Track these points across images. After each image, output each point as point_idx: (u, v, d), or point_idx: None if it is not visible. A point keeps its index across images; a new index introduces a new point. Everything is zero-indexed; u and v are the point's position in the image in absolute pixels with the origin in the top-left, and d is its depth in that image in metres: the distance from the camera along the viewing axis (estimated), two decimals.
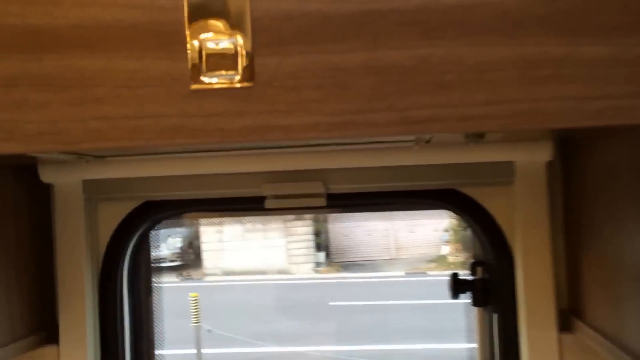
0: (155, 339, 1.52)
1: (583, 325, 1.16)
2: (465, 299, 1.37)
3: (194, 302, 7.42)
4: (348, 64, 0.69)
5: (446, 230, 10.00)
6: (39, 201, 1.35)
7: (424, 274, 9.96)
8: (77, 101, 0.71)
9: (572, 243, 1.26)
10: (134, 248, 1.39)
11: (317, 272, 10.10)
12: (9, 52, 0.72)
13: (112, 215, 1.37)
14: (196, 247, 10.70)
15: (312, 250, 10.15)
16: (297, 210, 1.49)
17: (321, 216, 11.24)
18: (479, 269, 1.32)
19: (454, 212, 1.38)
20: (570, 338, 1.20)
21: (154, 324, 1.48)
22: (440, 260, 10.24)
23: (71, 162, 1.28)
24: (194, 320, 7.28)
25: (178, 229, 11.23)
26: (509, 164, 1.26)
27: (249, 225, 10.57)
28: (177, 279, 10.40)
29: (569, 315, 1.22)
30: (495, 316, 1.31)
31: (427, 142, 1.08)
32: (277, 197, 1.31)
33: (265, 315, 8.91)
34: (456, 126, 0.67)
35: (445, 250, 10.20)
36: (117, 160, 1.26)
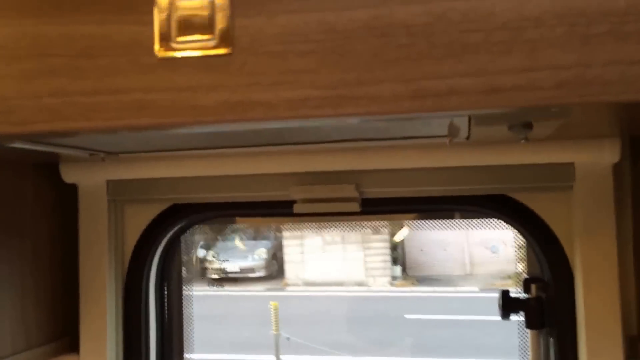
0: (193, 345, 1.44)
1: None
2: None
3: (274, 311, 7.77)
4: (346, 23, 0.58)
5: (521, 248, 9.51)
6: (65, 202, 1.27)
7: (499, 290, 9.72)
8: (30, 74, 0.63)
9: None
10: (162, 253, 1.32)
11: (393, 285, 10.22)
12: None
13: (138, 219, 1.28)
14: (279, 259, 11.15)
15: (389, 264, 10.29)
16: (328, 217, 1.38)
17: (398, 231, 11.37)
18: (534, 287, 1.16)
19: (505, 220, 1.21)
20: None
21: (184, 332, 1.39)
22: (516, 277, 9.96)
23: (93, 160, 1.19)
24: (273, 328, 7.62)
25: (263, 241, 11.76)
26: (568, 166, 1.08)
27: (328, 238, 10.89)
28: (261, 288, 10.89)
29: (639, 342, 1.05)
30: (551, 340, 1.16)
31: (467, 138, 0.88)
32: (306, 201, 1.20)
33: (342, 326, 9.11)
34: (482, 101, 0.55)
35: (522, 267, 9.80)
36: (141, 159, 1.18)
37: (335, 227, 10.82)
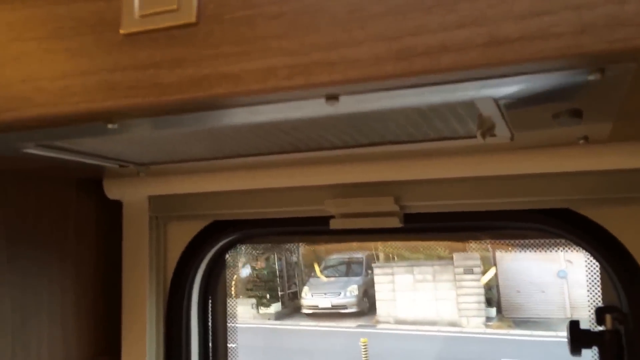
0: None
1: None
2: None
3: (364, 347, 7.88)
4: None
5: (593, 272, 8.81)
6: (109, 219, 1.25)
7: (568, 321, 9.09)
8: (3, 61, 0.62)
9: None
10: (205, 271, 1.29)
11: (488, 326, 9.91)
12: None
13: (180, 236, 1.26)
14: (371, 296, 11.14)
15: (483, 305, 10.00)
16: (367, 236, 1.28)
17: (491, 270, 11.03)
18: (609, 317, 1.02)
19: (571, 240, 1.06)
20: None
21: (228, 352, 1.35)
22: None
23: (134, 175, 1.17)
24: None
25: (355, 278, 11.83)
26: None
27: (419, 276, 10.78)
28: (353, 325, 10.90)
29: None
30: None
31: (511, 138, 0.79)
32: (343, 215, 1.13)
33: None
34: (481, 56, 0.47)
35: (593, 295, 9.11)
36: (181, 173, 1.15)
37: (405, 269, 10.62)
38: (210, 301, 1.33)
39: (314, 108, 0.63)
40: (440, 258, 11.17)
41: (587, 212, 1.01)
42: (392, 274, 10.98)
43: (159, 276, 1.26)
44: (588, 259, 1.12)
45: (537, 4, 0.44)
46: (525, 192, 1.03)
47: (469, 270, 10.29)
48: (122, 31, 0.58)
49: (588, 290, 1.18)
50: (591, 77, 0.49)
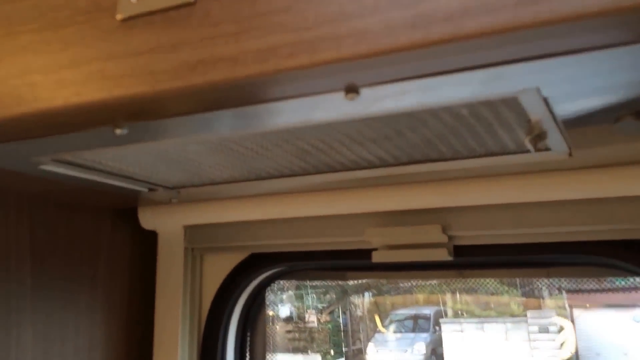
0: None
1: None
2: None
3: None
4: None
5: None
6: (143, 250, 1.20)
7: None
8: (1, 55, 0.57)
9: None
10: (244, 307, 1.23)
11: None
12: None
13: (216, 269, 1.19)
14: (439, 355, 10.71)
15: None
16: (414, 272, 1.13)
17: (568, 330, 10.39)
18: None
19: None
20: None
21: None
22: None
23: (171, 204, 1.10)
24: None
25: (422, 334, 11.43)
26: None
27: (490, 334, 10.30)
28: None
29: None
30: None
31: (569, 154, 0.66)
32: (385, 247, 1.02)
33: None
34: (512, 16, 0.36)
35: None
36: (217, 200, 1.05)
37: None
38: (248, 341, 1.24)
39: (333, 106, 0.55)
40: (512, 315, 10.67)
41: None
42: (462, 331, 10.55)
43: (194, 312, 1.19)
44: None
45: None
46: (584, 219, 0.91)
47: (544, 329, 9.75)
48: (118, 16, 0.54)
49: None
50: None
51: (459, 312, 11.26)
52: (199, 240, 1.21)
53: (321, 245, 1.13)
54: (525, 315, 10.48)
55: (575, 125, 0.60)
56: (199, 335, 1.20)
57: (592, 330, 10.63)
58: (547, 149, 0.74)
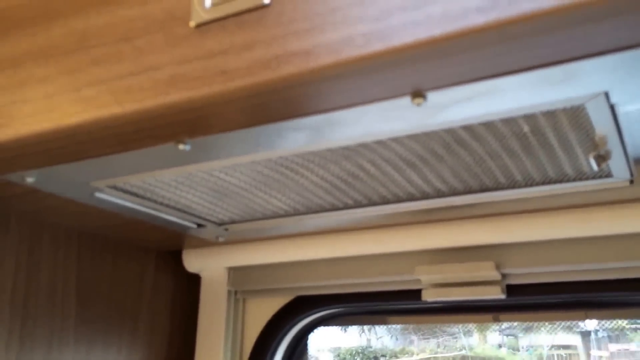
0: None
1: None
2: None
3: None
4: None
5: None
6: (185, 292, 1.21)
7: None
8: (74, 68, 0.62)
9: None
10: (286, 352, 1.19)
11: None
12: (20, 29, 0.65)
13: (259, 313, 1.18)
14: None
15: None
16: (469, 314, 1.13)
17: None
18: None
19: None
20: None
21: None
22: None
23: (215, 246, 1.13)
24: None
25: None
26: None
27: None
28: None
29: None
30: None
31: (631, 181, 0.69)
32: (435, 285, 1.01)
33: None
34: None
35: None
36: (262, 242, 1.08)
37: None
38: None
39: (399, 112, 0.57)
40: None
41: None
42: None
43: (235, 356, 1.17)
44: None
45: None
46: None
47: None
48: (191, 23, 0.57)
49: None
50: None
51: None
52: (243, 283, 1.19)
53: (368, 286, 1.10)
54: None
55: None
56: None
57: None
58: (608, 176, 0.69)
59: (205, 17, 0.56)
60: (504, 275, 0.97)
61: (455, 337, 10.57)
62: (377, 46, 0.46)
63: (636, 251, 0.85)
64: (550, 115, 0.57)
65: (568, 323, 9.86)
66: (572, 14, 0.38)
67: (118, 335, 1.09)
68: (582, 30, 0.40)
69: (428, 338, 10.45)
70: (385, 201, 0.88)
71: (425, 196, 0.85)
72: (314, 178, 0.80)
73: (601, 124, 0.56)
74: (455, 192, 0.83)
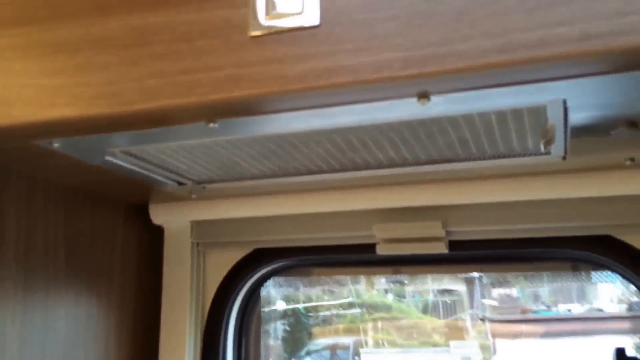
0: None
1: None
2: None
3: None
4: None
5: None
6: (150, 245, 1.30)
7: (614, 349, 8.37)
8: (135, 60, 0.73)
9: None
10: (243, 302, 1.32)
11: None
12: (75, 18, 0.75)
13: (220, 264, 1.29)
14: None
15: None
16: (414, 267, 1.31)
17: None
18: None
19: (610, 267, 1.14)
20: None
21: None
22: None
23: (181, 199, 1.20)
24: None
25: None
26: None
27: None
28: None
29: None
30: None
31: (564, 157, 0.90)
32: (389, 241, 1.19)
33: None
34: (575, 49, 0.58)
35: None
36: (224, 197, 1.16)
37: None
38: (244, 337, 1.34)
39: (405, 108, 0.74)
40: (435, 345, 10.55)
41: (629, 238, 1.08)
42: None
43: (198, 305, 1.30)
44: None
45: (621, 6, 0.55)
46: (566, 217, 1.10)
47: (466, 359, 9.65)
48: (249, 34, 0.71)
49: None
50: None
51: (380, 342, 11.00)
52: (205, 236, 1.30)
53: (325, 241, 1.23)
54: (448, 345, 10.37)
55: (578, 129, 0.78)
56: (203, 324, 1.29)
57: None
58: (547, 153, 0.92)
59: (262, 29, 0.71)
60: (448, 233, 1.21)
61: (342, 285, 10.50)
62: (413, 70, 0.63)
63: (563, 214, 1.12)
64: (517, 110, 0.78)
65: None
66: (544, 60, 0.58)
67: (98, 284, 1.22)
68: (552, 66, 0.63)
69: (314, 285, 10.34)
70: (357, 167, 1.05)
71: (392, 164, 1.04)
72: (304, 149, 0.95)
73: (554, 117, 0.80)
74: (418, 162, 1.02)
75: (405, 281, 11.22)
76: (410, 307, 11.16)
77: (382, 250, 1.21)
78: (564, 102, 0.74)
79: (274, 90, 0.68)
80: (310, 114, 0.77)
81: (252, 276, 1.36)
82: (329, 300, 10.77)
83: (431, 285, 11.13)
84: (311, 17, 0.67)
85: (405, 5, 0.64)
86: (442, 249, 1.19)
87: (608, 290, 9.91)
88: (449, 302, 11.01)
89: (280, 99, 0.71)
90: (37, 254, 1.07)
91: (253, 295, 1.40)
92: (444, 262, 1.33)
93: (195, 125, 0.80)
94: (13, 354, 1.00)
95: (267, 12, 0.68)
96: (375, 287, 11.35)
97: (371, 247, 1.23)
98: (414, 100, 0.72)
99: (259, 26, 0.68)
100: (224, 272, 1.34)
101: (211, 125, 0.80)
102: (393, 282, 11.38)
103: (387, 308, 11.13)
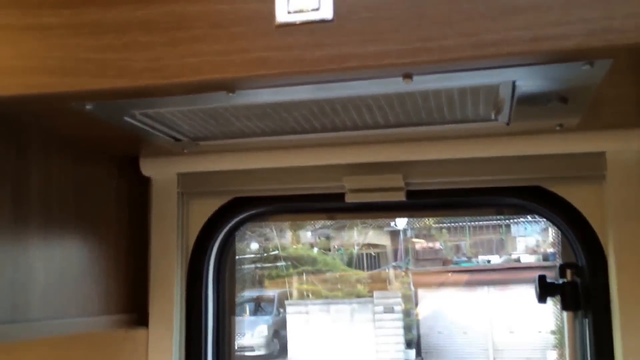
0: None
1: None
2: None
3: None
4: None
5: (553, 333, 8.60)
6: (139, 194, 1.43)
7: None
8: (176, 41, 0.83)
9: None
10: (220, 244, 1.45)
11: None
12: (121, 4, 0.85)
13: (202, 211, 1.42)
14: (282, 337, 10.47)
15: (402, 346, 9.64)
16: (377, 213, 1.51)
17: (412, 310, 10.75)
18: (569, 272, 1.26)
19: (540, 213, 1.29)
20: None
21: (235, 317, 1.53)
22: None
23: (170, 154, 1.31)
24: None
25: (265, 317, 11.09)
26: (600, 156, 1.18)
27: (336, 315, 10.29)
28: None
29: None
30: (586, 321, 1.24)
31: (508, 123, 1.04)
32: (356, 190, 1.30)
33: None
34: (530, 48, 0.73)
35: (552, 356, 8.74)
36: (208, 152, 1.29)
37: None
38: (222, 273, 1.48)
39: (391, 85, 0.87)
40: (359, 296, 10.74)
41: (554, 188, 1.24)
42: (307, 313, 10.37)
43: (183, 247, 1.41)
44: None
45: (563, 19, 0.71)
46: (506, 171, 1.24)
47: (389, 309, 9.91)
48: (275, 24, 0.78)
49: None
50: (584, 67, 0.78)
51: (305, 294, 11.02)
52: (189, 186, 1.42)
53: (299, 191, 1.37)
54: (372, 296, 10.51)
55: (521, 101, 0.92)
56: (187, 265, 1.42)
57: (435, 310, 10.92)
58: (495, 120, 1.05)
59: (286, 20, 0.78)
60: (407, 184, 1.29)
61: (267, 238, 10.41)
62: (407, 59, 0.74)
63: (503, 168, 1.23)
64: (476, 87, 0.90)
65: (379, 222, 10.34)
66: (505, 55, 0.73)
67: (99, 228, 1.28)
68: (509, 59, 0.77)
69: (240, 240, 10.17)
70: (336, 128, 1.13)
71: (366, 126, 1.12)
72: (294, 113, 1.03)
73: (504, 94, 0.92)
74: (388, 125, 1.10)
75: (331, 234, 11.27)
76: (336, 260, 11.27)
77: (350, 199, 1.31)
78: (513, 82, 0.87)
79: (295, 71, 0.78)
80: (314, 88, 0.88)
81: (231, 220, 1.44)
82: (254, 254, 10.66)
83: (356, 238, 11.26)
84: (326, 12, 0.78)
85: (402, 8, 0.76)
86: (401, 197, 1.29)
87: (524, 243, 10.37)
88: (373, 254, 11.20)
89: (297, 78, 0.82)
90: (54, 200, 1.17)
91: (230, 238, 1.50)
92: (402, 209, 1.45)
93: (216, 94, 0.90)
94: (40, 283, 1.12)
95: (289, 7, 0.79)
96: (301, 241, 11.32)
97: (340, 197, 1.33)
98: (400, 79, 0.82)
99: (283, 18, 0.79)
100: (207, 217, 1.43)
101: (230, 94, 0.89)
102: (319, 236, 11.39)
103: (313, 261, 11.18)
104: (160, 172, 1.40)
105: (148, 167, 1.39)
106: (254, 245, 10.15)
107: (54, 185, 1.17)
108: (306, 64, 0.78)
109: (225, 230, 1.44)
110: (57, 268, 1.18)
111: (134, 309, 1.38)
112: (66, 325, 1.19)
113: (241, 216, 1.43)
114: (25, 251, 1.11)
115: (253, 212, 1.44)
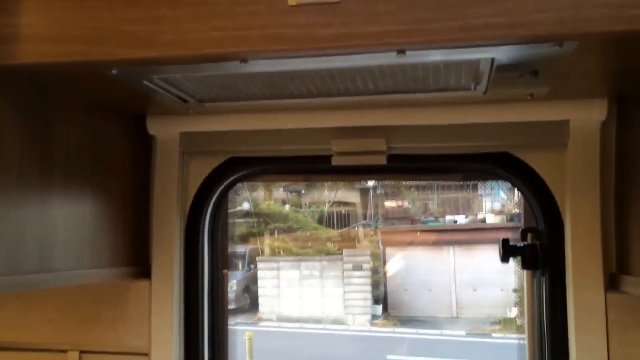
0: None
1: (629, 279, 1.16)
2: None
3: (248, 341, 7.78)
4: None
5: (515, 291, 8.81)
6: (143, 152, 1.50)
7: (488, 335, 9.25)
8: (201, 17, 0.91)
9: (623, 208, 1.22)
10: (215, 202, 1.53)
11: (373, 325, 9.81)
12: None
13: (200, 169, 1.50)
14: (253, 292, 10.64)
15: (369, 302, 9.90)
16: (359, 175, 1.65)
17: (380, 267, 11.00)
18: (529, 235, 1.35)
19: (506, 178, 1.39)
20: (617, 297, 1.21)
21: (228, 271, 1.63)
22: (507, 322, 9.43)
23: (175, 113, 1.39)
24: (248, 358, 7.65)
25: (235, 272, 11.24)
26: (564, 124, 1.26)
27: (306, 272, 10.48)
28: (231, 323, 10.33)
29: (617, 275, 1.22)
30: (543, 279, 1.34)
31: (485, 92, 1.13)
32: (342, 154, 1.37)
33: None
34: (508, 32, 0.83)
35: (514, 312, 9.18)
36: (210, 113, 1.37)
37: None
38: (216, 230, 1.57)
39: (386, 59, 0.96)
40: (329, 253, 10.94)
41: (520, 155, 1.33)
42: (278, 269, 10.54)
43: (183, 204, 1.49)
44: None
45: (538, 7, 0.82)
46: (477, 137, 1.32)
47: (357, 267, 10.13)
48: (289, 3, 0.88)
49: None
50: (554, 48, 0.88)
51: (276, 251, 11.15)
52: (190, 145, 1.49)
53: (290, 152, 1.45)
54: (341, 254, 10.70)
55: (498, 74, 1.03)
56: (185, 215, 1.50)
57: (402, 268, 11.18)
58: (473, 89, 1.14)
59: (299, 1, 0.87)
60: (389, 148, 1.36)
61: (238, 194, 10.45)
62: (402, 40, 0.86)
63: (476, 134, 1.32)
64: (459, 62, 0.99)
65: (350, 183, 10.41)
66: (487, 37, 0.84)
67: (108, 182, 1.36)
68: (491, 40, 0.87)
69: None
70: (330, 94, 1.22)
71: (358, 92, 1.20)
72: (296, 80, 1.13)
73: (483, 68, 1.02)
74: (377, 92, 1.19)
75: (302, 191, 11.34)
76: (307, 218, 11.38)
77: (336, 161, 1.39)
78: (492, 59, 0.96)
79: (306, 47, 0.87)
80: (319, 59, 0.96)
81: (226, 180, 1.52)
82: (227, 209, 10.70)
83: (327, 194, 11.35)
84: None
85: None
86: (382, 161, 1.37)
87: (490, 204, 10.58)
88: (344, 212, 11.33)
89: (307, 53, 0.91)
90: (73, 158, 1.24)
91: (224, 196, 1.58)
92: (380, 172, 1.56)
93: (231, 63, 0.97)
94: (61, 237, 1.20)
95: None
96: (273, 197, 11.37)
97: (327, 159, 1.40)
98: (394, 54, 0.91)
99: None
100: (205, 175, 1.51)
101: (242, 64, 0.96)
102: (290, 192, 11.45)
103: (284, 218, 11.28)
104: (165, 130, 1.47)
105: (154, 126, 1.46)
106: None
107: (73, 143, 1.24)
108: (316, 40, 0.86)
109: (220, 188, 1.52)
110: (74, 223, 1.26)
111: (138, 261, 1.45)
112: (82, 275, 1.28)
113: (235, 175, 1.51)
114: (50, 208, 1.19)
115: (247, 171, 1.52)
